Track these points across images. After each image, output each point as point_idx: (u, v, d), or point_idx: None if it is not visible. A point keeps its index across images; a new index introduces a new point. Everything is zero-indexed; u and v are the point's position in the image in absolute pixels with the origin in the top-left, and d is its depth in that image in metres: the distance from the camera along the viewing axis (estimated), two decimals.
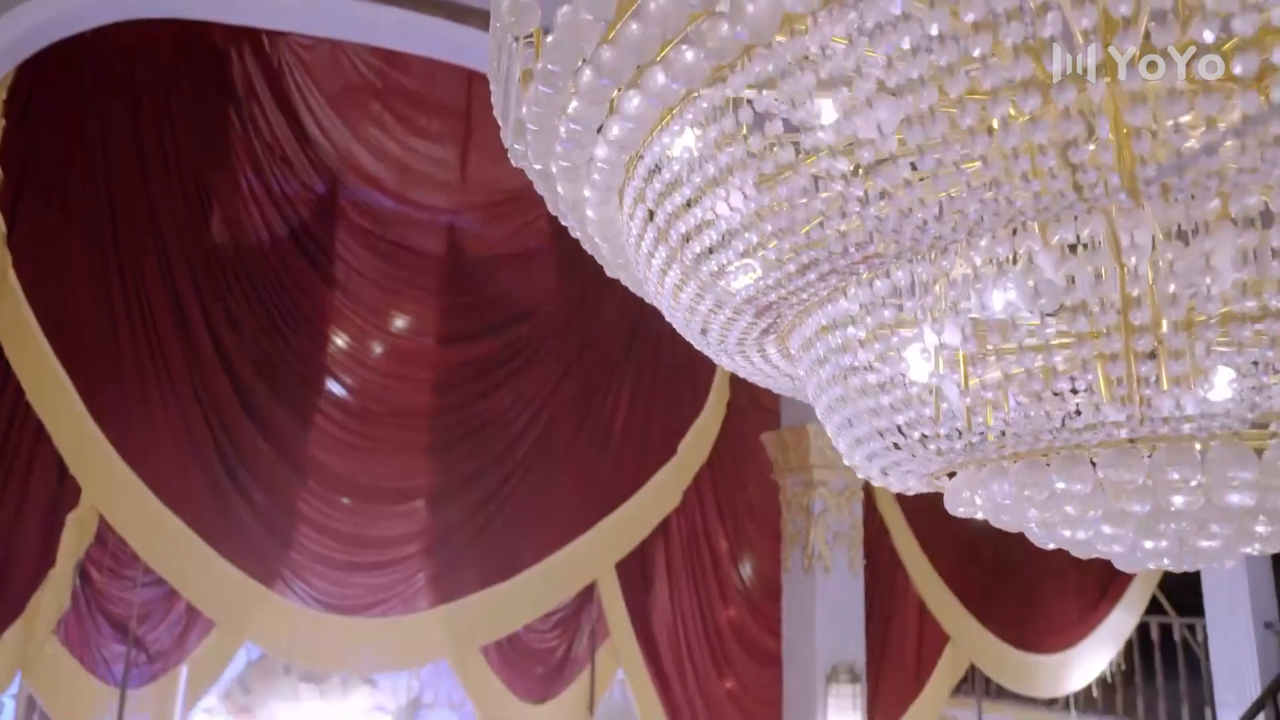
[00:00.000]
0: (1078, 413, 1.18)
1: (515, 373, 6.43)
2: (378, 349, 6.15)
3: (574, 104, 1.28)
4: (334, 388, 5.94)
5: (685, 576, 6.85)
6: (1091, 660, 8.28)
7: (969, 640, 7.71)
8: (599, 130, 1.30)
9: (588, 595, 6.56)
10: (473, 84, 6.48)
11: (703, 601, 6.90)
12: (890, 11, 0.95)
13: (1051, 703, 8.46)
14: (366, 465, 5.95)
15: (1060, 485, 1.21)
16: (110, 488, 5.16)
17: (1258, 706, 6.24)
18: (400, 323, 6.27)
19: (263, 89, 5.98)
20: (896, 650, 7.45)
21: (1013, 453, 1.24)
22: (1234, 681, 7.18)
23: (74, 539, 5.15)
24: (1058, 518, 1.30)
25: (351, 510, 5.86)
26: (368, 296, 6.15)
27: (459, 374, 6.30)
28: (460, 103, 6.56)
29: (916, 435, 1.25)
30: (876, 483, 1.51)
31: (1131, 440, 1.16)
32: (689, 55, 1.09)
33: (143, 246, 5.38)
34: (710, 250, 1.25)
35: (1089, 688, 8.37)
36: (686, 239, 1.26)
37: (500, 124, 1.58)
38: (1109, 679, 8.42)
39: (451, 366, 6.29)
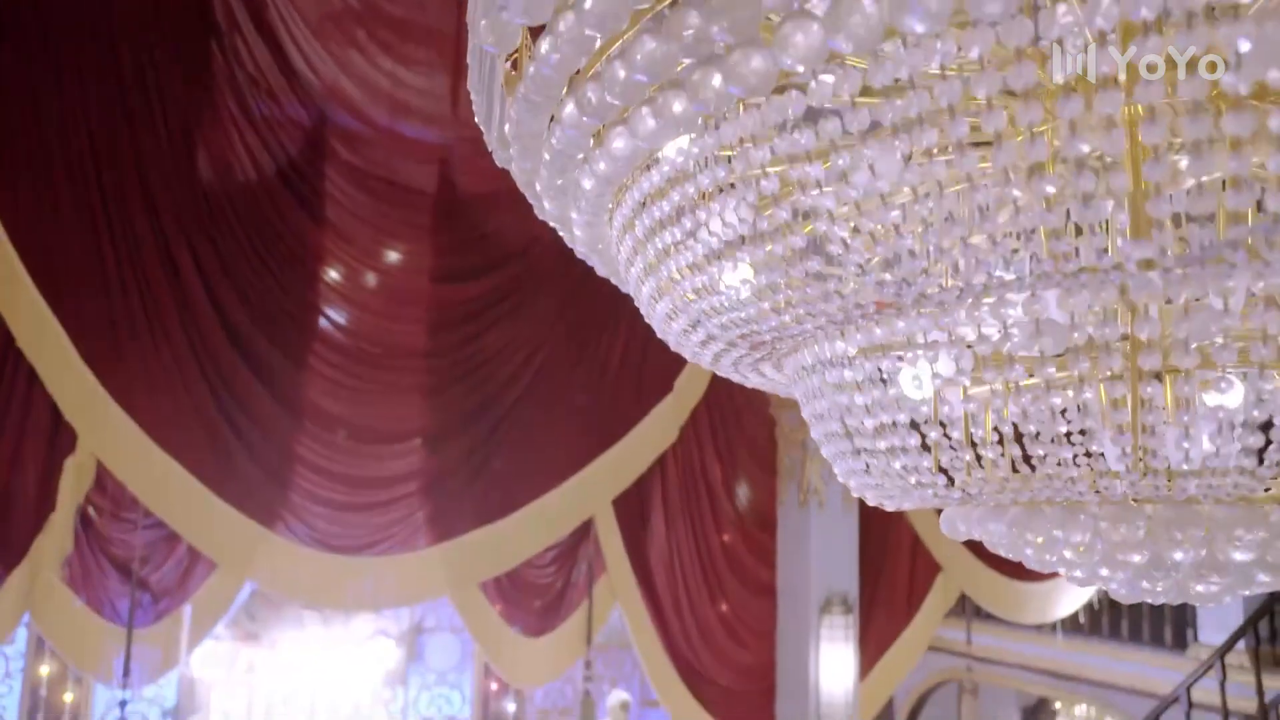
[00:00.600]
0: (1080, 460, 1.16)
1: (510, 312, 6.38)
2: (371, 289, 6.08)
3: (558, 133, 1.21)
4: (328, 329, 5.90)
5: (682, 512, 6.92)
6: (1079, 588, 8.44)
7: (961, 570, 7.83)
8: (584, 160, 1.24)
9: (585, 531, 6.64)
10: (462, 8, 6.21)
11: (699, 536, 6.99)
12: (896, 75, 0.90)
13: (1039, 627, 8.66)
14: (362, 406, 5.94)
15: (1058, 533, 1.19)
16: (107, 433, 5.16)
17: (1239, 633, 6.39)
18: (393, 261, 6.19)
19: (244, 19, 5.77)
20: (889, 581, 7.58)
21: (1011, 500, 1.21)
22: (1217, 609, 7.33)
23: (73, 484, 5.18)
24: (1055, 557, 1.29)
25: (349, 451, 5.89)
26: (359, 235, 6.05)
27: (453, 313, 6.24)
28: (450, 28, 6.34)
29: (912, 480, 1.22)
30: (871, 503, 1.49)
31: (1135, 500, 1.14)
32: (677, 106, 1.02)
33: (127, 188, 5.27)
34: (701, 292, 1.20)
35: (1075, 613, 8.56)
36: (676, 279, 1.21)
37: (484, 131, 1.52)
38: (1095, 605, 8.60)
39: (445, 306, 6.23)
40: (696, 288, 1.24)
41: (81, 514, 5.27)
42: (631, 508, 6.78)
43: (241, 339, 5.51)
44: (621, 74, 1.05)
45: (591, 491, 6.59)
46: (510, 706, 9.39)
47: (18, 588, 5.03)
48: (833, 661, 6.67)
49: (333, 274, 5.93)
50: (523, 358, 6.43)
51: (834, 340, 1.22)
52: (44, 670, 7.66)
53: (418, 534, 6.05)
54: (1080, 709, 10.51)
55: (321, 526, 5.76)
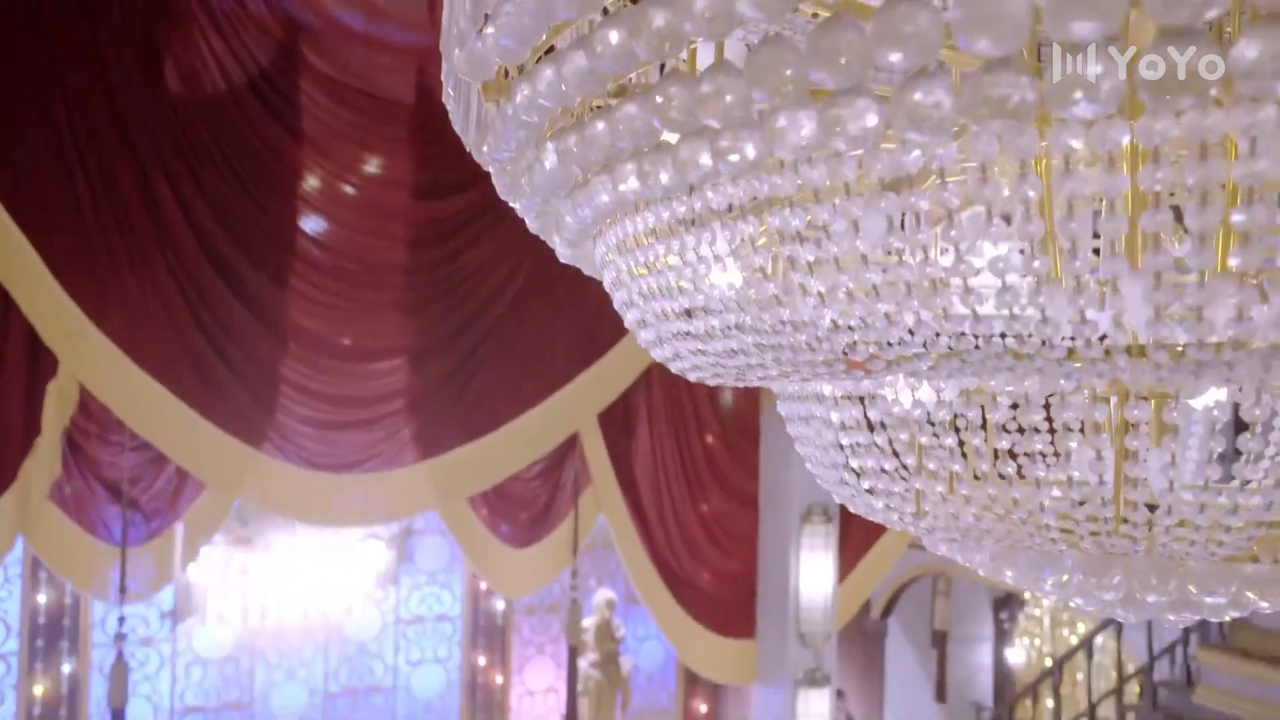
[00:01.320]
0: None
1: (491, 227, 6.27)
2: (349, 205, 5.96)
3: (537, 170, 1.18)
4: (307, 247, 5.81)
5: (666, 424, 7.00)
6: None
7: None
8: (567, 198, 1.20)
9: (570, 445, 6.73)
10: None
11: (683, 448, 7.09)
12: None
13: None
14: (344, 325, 5.91)
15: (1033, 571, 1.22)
16: (88, 357, 5.13)
17: None
18: (371, 176, 6.05)
19: None
20: None
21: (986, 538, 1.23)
22: None
23: (56, 407, 5.17)
24: (1033, 583, 1.32)
25: (333, 371, 5.88)
26: (336, 149, 5.89)
27: (434, 230, 6.15)
28: None
29: (895, 519, 1.24)
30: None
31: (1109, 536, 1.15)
32: (664, 176, 0.99)
33: (96, 108, 5.09)
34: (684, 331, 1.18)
35: None
36: (663, 316, 1.19)
37: (461, 137, 1.46)
38: None
39: (425, 222, 6.13)
40: (675, 332, 1.23)
41: (68, 438, 5.28)
42: (616, 421, 6.85)
43: (220, 259, 5.42)
44: (605, 140, 1.01)
45: (576, 406, 6.64)
46: (499, 604, 9.68)
47: (9, 511, 5.08)
48: (812, 569, 6.88)
49: (311, 190, 5.80)
50: (505, 274, 6.37)
51: (817, 382, 1.22)
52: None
53: (404, 451, 6.11)
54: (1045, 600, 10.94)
55: (308, 446, 5.80)
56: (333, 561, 9.02)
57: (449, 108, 1.45)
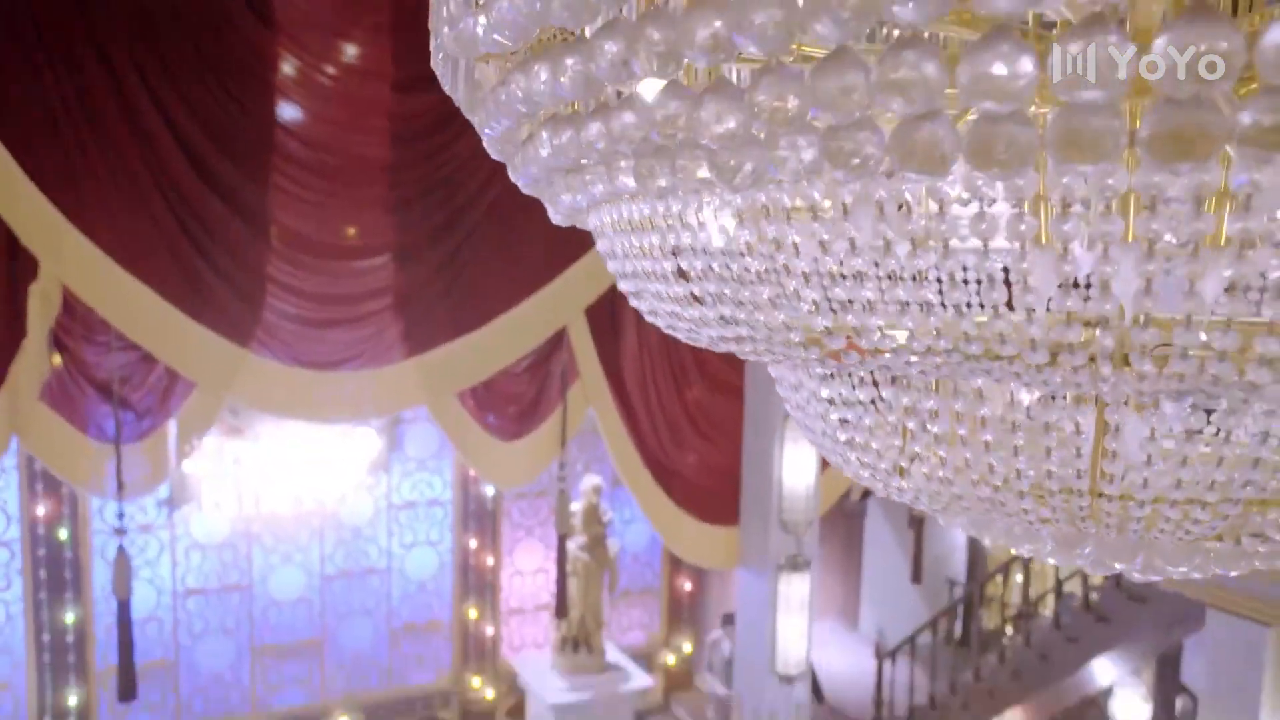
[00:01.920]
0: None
1: None
2: (328, 98, 5.78)
3: (531, 152, 1.17)
4: (286, 142, 5.66)
5: None
6: None
7: None
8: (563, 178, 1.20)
9: (558, 340, 6.76)
10: None
11: (669, 340, 7.13)
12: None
13: None
14: (328, 222, 5.83)
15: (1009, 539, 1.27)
16: (69, 259, 5.07)
17: None
18: (350, 67, 5.85)
19: None
20: None
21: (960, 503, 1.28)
22: None
23: (40, 310, 5.14)
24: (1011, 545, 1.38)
25: (317, 268, 5.83)
26: (312, 38, 5.68)
27: (416, 124, 5.99)
28: None
29: (879, 487, 1.28)
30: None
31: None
32: (661, 181, 0.99)
33: (62, 4, 4.85)
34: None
35: None
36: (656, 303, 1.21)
37: (450, 95, 1.44)
38: None
39: (408, 116, 5.97)
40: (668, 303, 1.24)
41: (56, 340, 5.27)
42: (604, 316, 6.87)
43: (198, 158, 5.30)
44: (600, 144, 1.01)
45: (564, 301, 6.64)
46: (489, 490, 9.90)
47: (2, 412, 5.11)
48: (796, 460, 7.04)
49: (288, 82, 5.62)
50: (490, 168, 6.24)
51: (810, 366, 1.24)
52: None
53: (393, 348, 6.13)
54: None
55: (297, 344, 5.81)
56: (324, 450, 9.17)
57: (436, 68, 1.41)
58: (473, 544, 9.96)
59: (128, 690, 5.66)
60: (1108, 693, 9.16)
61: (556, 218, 1.42)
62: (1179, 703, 8.78)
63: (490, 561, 10.05)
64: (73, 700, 8.31)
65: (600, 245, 1.33)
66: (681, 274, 1.17)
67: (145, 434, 5.57)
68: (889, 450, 1.28)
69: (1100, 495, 1.17)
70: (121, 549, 5.64)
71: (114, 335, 5.34)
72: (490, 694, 10.07)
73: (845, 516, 11.25)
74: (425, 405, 6.39)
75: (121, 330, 5.25)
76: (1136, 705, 8.94)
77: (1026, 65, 0.65)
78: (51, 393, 5.30)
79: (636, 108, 0.91)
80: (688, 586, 11.09)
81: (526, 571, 10.35)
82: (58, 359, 5.35)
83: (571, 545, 8.54)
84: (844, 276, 0.98)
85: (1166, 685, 8.77)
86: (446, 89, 1.41)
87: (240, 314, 5.58)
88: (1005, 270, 0.89)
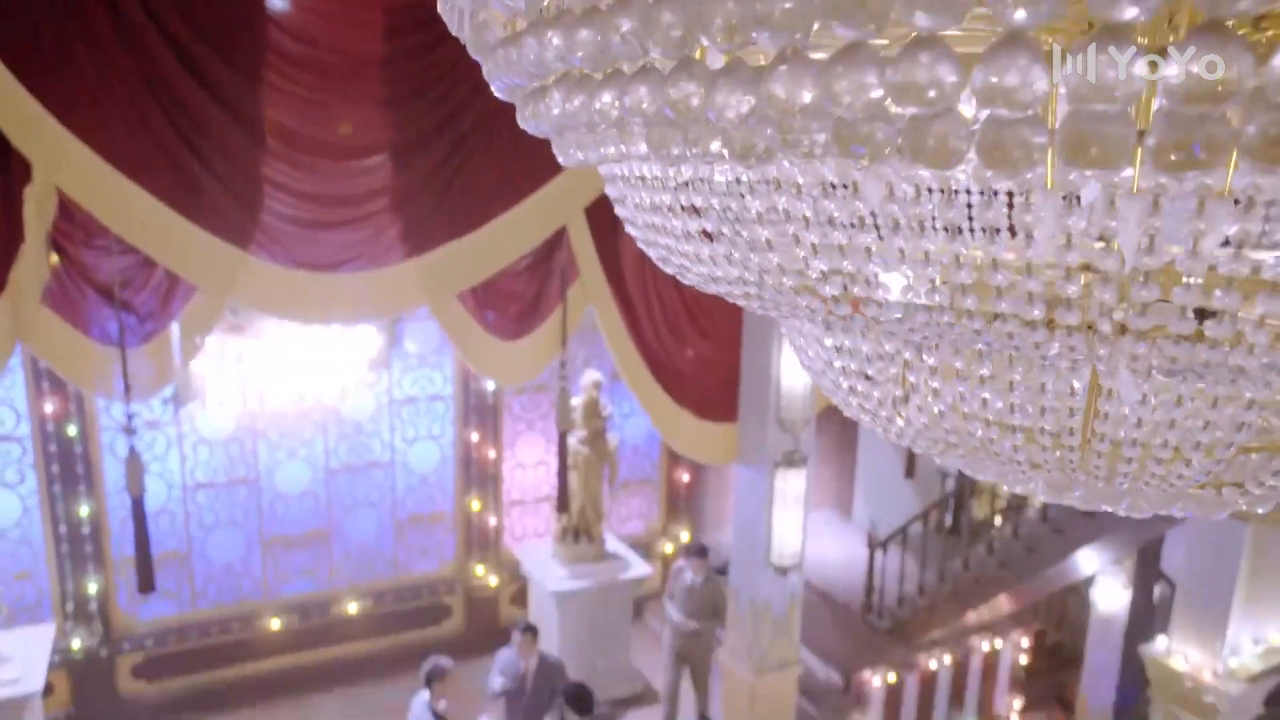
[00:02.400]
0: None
1: None
2: None
3: (542, 109, 1.18)
4: (279, 38, 5.51)
5: None
6: None
7: None
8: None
9: (558, 240, 6.73)
10: None
11: None
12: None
13: None
14: (323, 121, 5.72)
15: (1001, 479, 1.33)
16: (63, 161, 5.00)
17: None
18: None
19: None
20: None
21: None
22: None
23: (36, 213, 5.10)
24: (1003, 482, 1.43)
25: (313, 168, 5.76)
26: None
27: (411, 16, 5.82)
28: None
29: (879, 431, 1.33)
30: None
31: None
32: (675, 149, 1.01)
33: None
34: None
35: None
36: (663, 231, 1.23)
37: (455, 34, 1.42)
38: None
39: (402, 8, 5.79)
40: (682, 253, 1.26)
41: (55, 243, 5.25)
42: (604, 215, 6.81)
43: (188, 56, 5.16)
44: (614, 113, 1.02)
45: (563, 201, 6.59)
46: (490, 385, 10.02)
47: (4, 317, 5.13)
48: (793, 358, 7.10)
49: None
50: None
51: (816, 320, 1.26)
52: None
53: (392, 249, 6.11)
54: None
55: (295, 246, 5.78)
56: (325, 347, 9.25)
57: (442, 11, 1.39)
58: (474, 438, 10.15)
59: (146, 583, 5.86)
60: (1089, 581, 9.50)
61: (564, 161, 1.42)
62: (1157, 590, 9.12)
63: (492, 455, 10.26)
64: (92, 588, 8.61)
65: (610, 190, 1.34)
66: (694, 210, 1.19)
67: (149, 337, 5.60)
68: (887, 386, 1.32)
69: (1090, 441, 1.22)
70: (133, 449, 5.75)
71: (113, 239, 5.32)
72: (494, 581, 10.43)
73: (840, 413, 11.42)
74: (425, 306, 6.40)
75: (117, 232, 5.23)
76: (1116, 592, 9.29)
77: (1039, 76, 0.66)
78: (53, 296, 5.31)
79: (650, 82, 0.92)
80: (685, 478, 11.36)
81: (528, 464, 10.57)
82: (55, 258, 5.34)
83: (572, 440, 8.71)
84: (844, 224, 1.00)
85: (1146, 574, 9.09)
86: (453, 30, 1.39)
87: (237, 215, 5.54)
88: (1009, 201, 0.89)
